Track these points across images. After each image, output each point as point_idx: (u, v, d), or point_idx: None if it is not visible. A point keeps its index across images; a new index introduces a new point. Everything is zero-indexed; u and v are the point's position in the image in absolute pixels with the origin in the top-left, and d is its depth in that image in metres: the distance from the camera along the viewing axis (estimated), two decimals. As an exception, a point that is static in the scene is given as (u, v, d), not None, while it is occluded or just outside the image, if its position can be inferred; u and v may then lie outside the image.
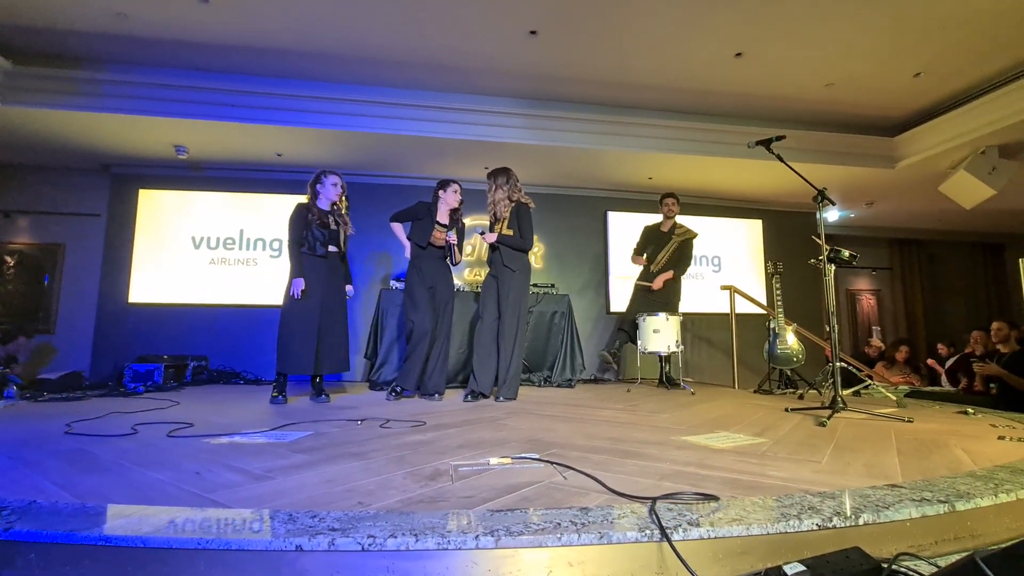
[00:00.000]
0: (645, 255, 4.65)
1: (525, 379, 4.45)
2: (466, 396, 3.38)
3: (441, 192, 3.54)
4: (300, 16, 3.59)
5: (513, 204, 3.45)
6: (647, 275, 4.54)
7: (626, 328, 4.51)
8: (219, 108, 4.25)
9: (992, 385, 3.98)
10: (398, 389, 3.38)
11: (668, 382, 4.42)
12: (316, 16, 3.59)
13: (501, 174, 3.50)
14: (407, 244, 3.55)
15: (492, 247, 3.53)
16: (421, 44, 3.91)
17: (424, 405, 3.13)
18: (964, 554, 1.10)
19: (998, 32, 3.67)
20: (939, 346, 6.21)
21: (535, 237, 5.75)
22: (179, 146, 4.77)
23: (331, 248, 3.34)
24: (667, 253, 4.49)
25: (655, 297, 4.40)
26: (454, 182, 3.57)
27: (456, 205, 3.56)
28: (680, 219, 4.64)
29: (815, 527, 1.08)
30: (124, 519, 1.07)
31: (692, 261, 4.67)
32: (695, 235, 4.59)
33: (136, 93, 4.13)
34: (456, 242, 3.54)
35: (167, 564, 0.96)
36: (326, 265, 3.31)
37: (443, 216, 3.54)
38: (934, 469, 1.58)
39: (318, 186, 3.36)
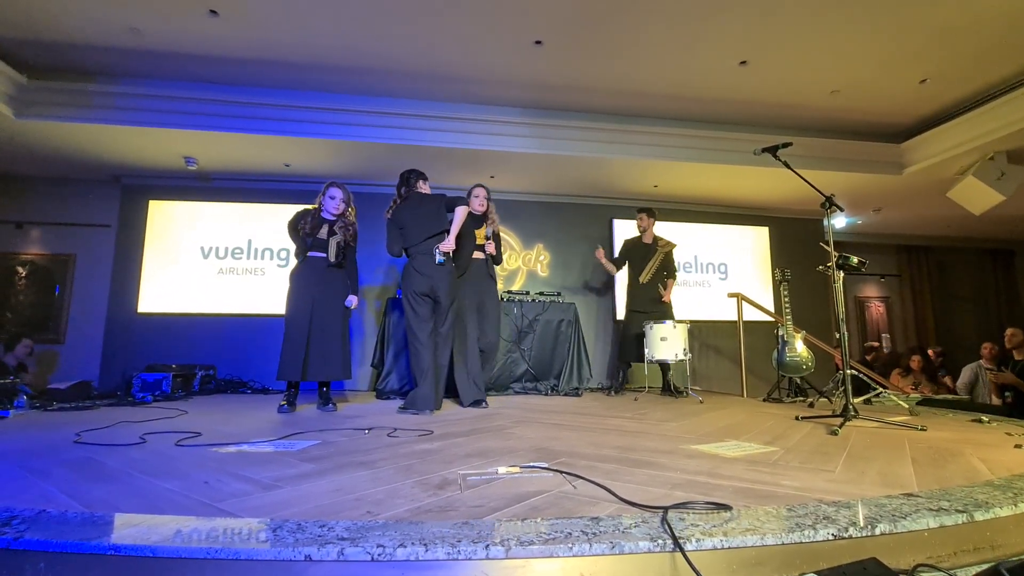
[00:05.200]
0: (624, 267, 4.72)
1: (531, 387, 4.43)
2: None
3: (422, 184, 3.58)
4: (307, 28, 3.64)
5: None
6: (637, 289, 4.56)
7: (627, 359, 4.60)
8: (228, 120, 4.30)
9: (1007, 393, 3.93)
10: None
11: (674, 391, 4.39)
12: (323, 28, 3.64)
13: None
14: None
15: (472, 259, 3.71)
16: (427, 55, 3.95)
17: (429, 414, 3.11)
18: (985, 565, 1.08)
19: (1005, 37, 3.66)
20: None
21: (541, 245, 5.89)
22: (189, 157, 4.82)
23: (312, 254, 3.32)
24: (654, 265, 4.53)
25: (653, 308, 4.42)
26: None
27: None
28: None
29: (831, 537, 1.06)
30: (133, 528, 1.07)
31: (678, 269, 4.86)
32: (675, 246, 4.69)
33: (147, 106, 4.19)
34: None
35: (176, 573, 0.96)
36: (318, 272, 3.31)
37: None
38: (950, 478, 1.55)
39: (323, 197, 3.40)
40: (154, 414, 3.10)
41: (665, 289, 4.53)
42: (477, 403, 3.42)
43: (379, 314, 4.78)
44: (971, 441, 2.25)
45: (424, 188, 3.50)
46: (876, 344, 7.49)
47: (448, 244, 3.22)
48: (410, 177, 3.49)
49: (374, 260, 5.47)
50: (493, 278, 3.80)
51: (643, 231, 4.65)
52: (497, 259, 3.84)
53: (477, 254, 3.72)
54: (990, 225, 6.86)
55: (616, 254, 4.83)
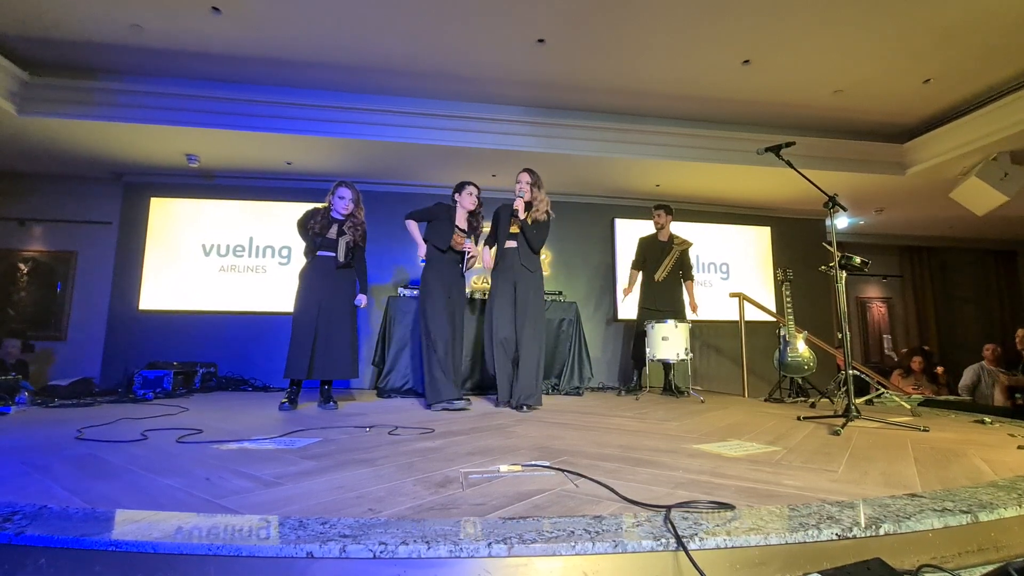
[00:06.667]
0: (641, 269, 4.66)
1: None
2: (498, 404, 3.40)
3: (457, 196, 3.51)
4: (309, 26, 3.63)
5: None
6: (651, 287, 4.52)
7: (643, 356, 4.45)
8: (230, 117, 4.30)
9: (1018, 395, 3.93)
10: (452, 407, 3.18)
11: (676, 390, 4.38)
12: (325, 26, 3.63)
13: (539, 175, 3.46)
14: (422, 245, 3.45)
15: (503, 249, 3.44)
16: (429, 53, 3.95)
17: (432, 412, 3.12)
18: (989, 566, 1.08)
19: (1008, 37, 3.65)
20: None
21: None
22: (190, 155, 4.82)
23: (321, 254, 3.32)
24: (670, 262, 4.50)
25: (667, 307, 4.39)
26: (470, 183, 3.54)
27: (472, 207, 3.52)
28: (680, 226, 4.63)
29: (834, 537, 1.05)
30: (134, 524, 1.06)
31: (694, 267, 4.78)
32: (691, 244, 4.66)
33: (149, 103, 4.19)
34: (472, 252, 3.47)
35: (177, 570, 0.95)
36: (327, 271, 3.31)
37: (462, 220, 3.49)
38: (954, 479, 1.55)
39: (332, 197, 3.39)
40: (155, 411, 3.10)
41: (690, 296, 4.53)
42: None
43: (381, 312, 4.77)
44: (974, 442, 2.24)
45: (459, 198, 3.51)
46: (905, 349, 7.45)
47: (420, 252, 3.44)
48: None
49: (373, 258, 5.47)
50: (530, 269, 3.36)
51: (660, 228, 4.62)
52: (533, 246, 3.38)
53: (510, 243, 3.40)
54: (992, 226, 6.84)
55: (634, 255, 4.77)
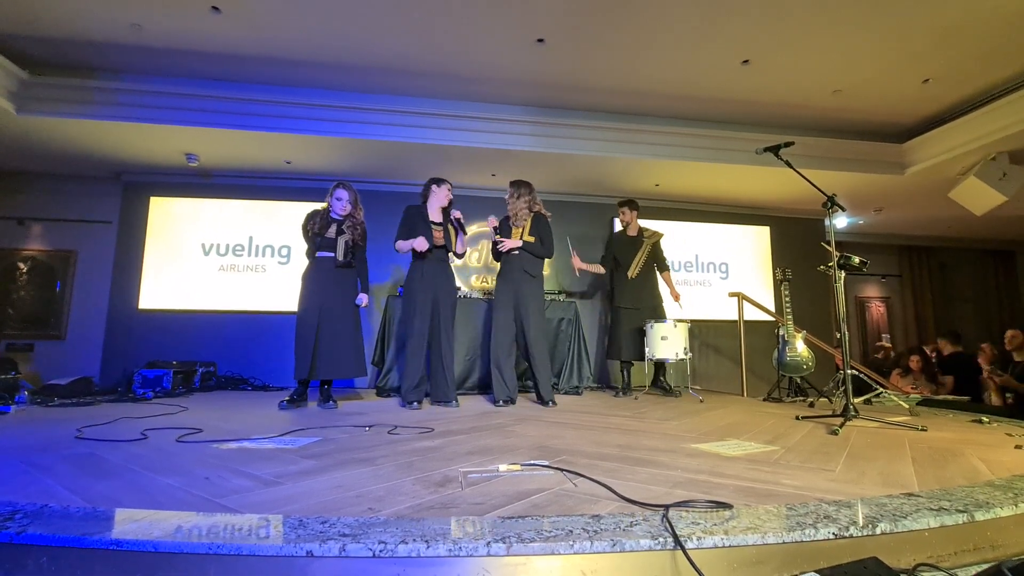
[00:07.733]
0: (611, 264, 4.63)
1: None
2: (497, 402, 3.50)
3: (435, 187, 3.55)
4: (309, 25, 3.63)
5: (532, 214, 3.66)
6: (625, 284, 4.47)
7: (624, 358, 4.45)
8: (229, 116, 4.30)
9: (1008, 395, 3.94)
10: (414, 406, 3.28)
11: (667, 388, 4.40)
12: (325, 25, 3.63)
13: (524, 185, 3.70)
14: (413, 241, 3.39)
15: (506, 254, 3.60)
16: (429, 52, 3.95)
17: (431, 412, 3.13)
18: (985, 565, 1.08)
19: (1008, 37, 3.65)
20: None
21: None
22: (190, 154, 4.82)
23: (320, 254, 3.33)
24: (641, 257, 4.47)
25: (644, 304, 4.37)
26: (445, 180, 3.62)
27: (446, 203, 3.58)
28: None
29: (831, 536, 1.06)
30: (134, 523, 1.07)
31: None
32: (662, 235, 4.61)
33: (149, 102, 4.19)
34: (458, 226, 3.52)
35: (177, 569, 0.96)
36: (327, 272, 3.32)
37: (435, 214, 3.52)
38: (951, 478, 1.55)
39: (330, 198, 3.41)
40: (155, 410, 3.11)
41: (669, 287, 4.49)
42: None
43: (380, 311, 4.78)
44: (971, 441, 2.25)
45: (436, 190, 3.55)
46: (888, 345, 7.48)
47: (418, 245, 3.42)
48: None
49: (374, 259, 5.46)
50: (531, 274, 3.60)
51: (627, 225, 4.60)
52: (543, 255, 3.64)
53: (514, 250, 3.63)
54: (991, 226, 6.85)
55: (603, 251, 4.76)
